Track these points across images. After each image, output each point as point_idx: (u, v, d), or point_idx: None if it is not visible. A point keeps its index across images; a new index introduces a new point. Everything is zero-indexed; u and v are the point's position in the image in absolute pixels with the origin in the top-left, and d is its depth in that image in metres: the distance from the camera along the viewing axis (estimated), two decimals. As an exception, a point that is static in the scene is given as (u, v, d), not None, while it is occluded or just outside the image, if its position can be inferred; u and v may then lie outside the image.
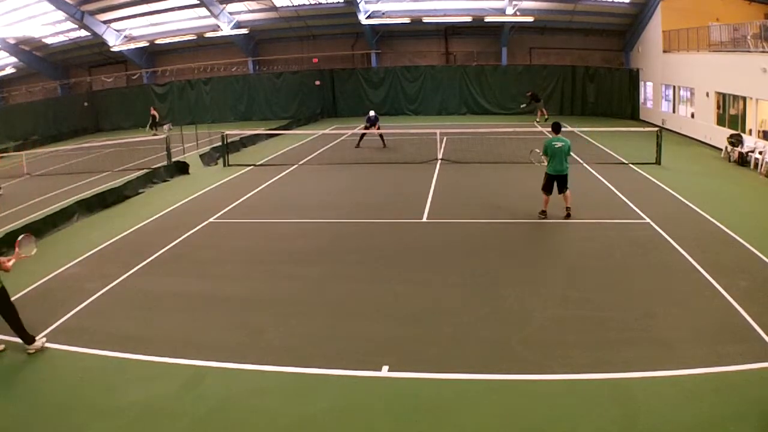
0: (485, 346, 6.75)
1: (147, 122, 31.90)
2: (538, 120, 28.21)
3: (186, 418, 5.58)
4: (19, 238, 7.60)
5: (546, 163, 11.72)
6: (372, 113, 22.36)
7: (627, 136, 21.20)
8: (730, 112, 19.32)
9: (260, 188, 15.82)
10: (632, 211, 12.12)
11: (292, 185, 16.35)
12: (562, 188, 11.64)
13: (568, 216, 11.62)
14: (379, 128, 22.05)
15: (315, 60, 35.44)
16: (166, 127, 21.06)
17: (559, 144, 11.41)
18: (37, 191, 17.38)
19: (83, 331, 7.45)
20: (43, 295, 8.64)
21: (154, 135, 28.34)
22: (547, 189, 11.67)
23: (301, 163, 19.50)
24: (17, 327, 6.96)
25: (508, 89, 31.75)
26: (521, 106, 29.88)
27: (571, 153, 11.73)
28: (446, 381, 6.06)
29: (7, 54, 36.02)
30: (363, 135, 22.13)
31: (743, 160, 16.64)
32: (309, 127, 30.02)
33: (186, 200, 14.81)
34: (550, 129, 12.08)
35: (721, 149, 18.29)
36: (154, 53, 37.65)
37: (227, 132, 20.85)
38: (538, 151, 12.16)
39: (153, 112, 32.05)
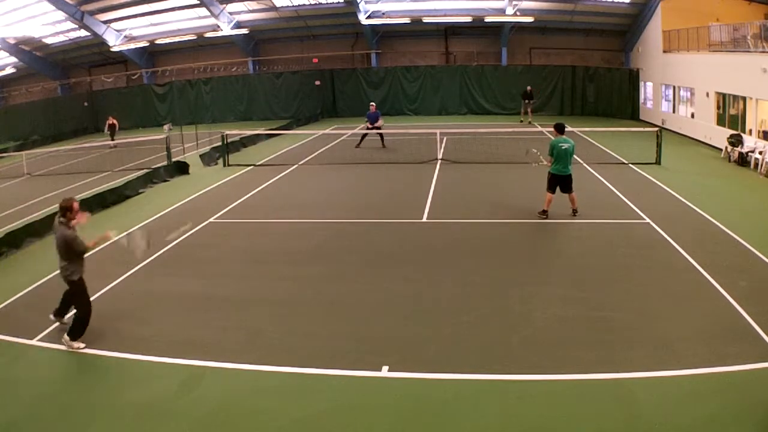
0: (485, 346, 6.75)
1: (116, 127, 29.21)
2: (522, 120, 28.13)
3: (185, 418, 5.57)
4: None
5: (546, 163, 11.73)
6: (372, 105, 22.28)
7: (627, 136, 21.19)
8: (730, 112, 19.31)
9: (260, 188, 15.82)
10: (632, 211, 12.12)
11: (292, 185, 16.35)
12: (568, 189, 11.65)
13: (574, 213, 11.70)
14: (381, 125, 21.77)
15: (315, 60, 35.41)
16: (166, 127, 20.96)
17: (565, 145, 11.37)
18: (37, 191, 17.39)
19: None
20: (44, 295, 8.62)
21: (110, 141, 27.28)
22: (551, 189, 11.66)
23: (301, 163, 19.50)
24: (82, 321, 7.10)
25: (508, 89, 31.69)
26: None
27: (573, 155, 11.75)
28: (446, 381, 6.06)
29: (7, 54, 36.00)
30: (364, 135, 22.04)
31: (743, 160, 16.64)
32: (309, 127, 30.00)
33: (186, 200, 14.81)
34: (552, 129, 12.01)
35: (721, 149, 18.29)
36: (154, 53, 37.63)
37: (227, 132, 20.84)
38: (535, 150, 12.13)
39: (112, 120, 28.89)
